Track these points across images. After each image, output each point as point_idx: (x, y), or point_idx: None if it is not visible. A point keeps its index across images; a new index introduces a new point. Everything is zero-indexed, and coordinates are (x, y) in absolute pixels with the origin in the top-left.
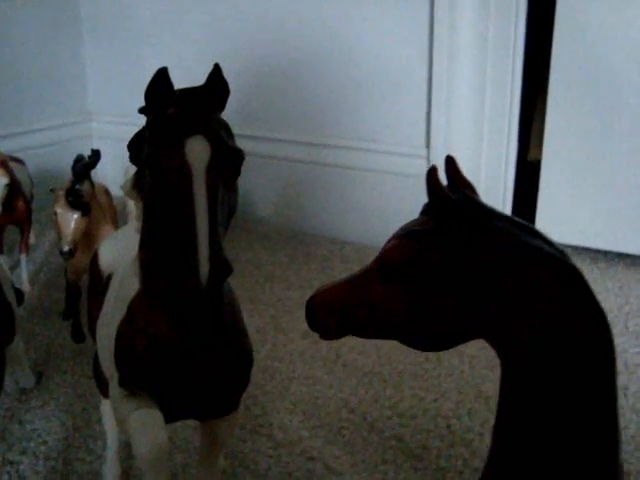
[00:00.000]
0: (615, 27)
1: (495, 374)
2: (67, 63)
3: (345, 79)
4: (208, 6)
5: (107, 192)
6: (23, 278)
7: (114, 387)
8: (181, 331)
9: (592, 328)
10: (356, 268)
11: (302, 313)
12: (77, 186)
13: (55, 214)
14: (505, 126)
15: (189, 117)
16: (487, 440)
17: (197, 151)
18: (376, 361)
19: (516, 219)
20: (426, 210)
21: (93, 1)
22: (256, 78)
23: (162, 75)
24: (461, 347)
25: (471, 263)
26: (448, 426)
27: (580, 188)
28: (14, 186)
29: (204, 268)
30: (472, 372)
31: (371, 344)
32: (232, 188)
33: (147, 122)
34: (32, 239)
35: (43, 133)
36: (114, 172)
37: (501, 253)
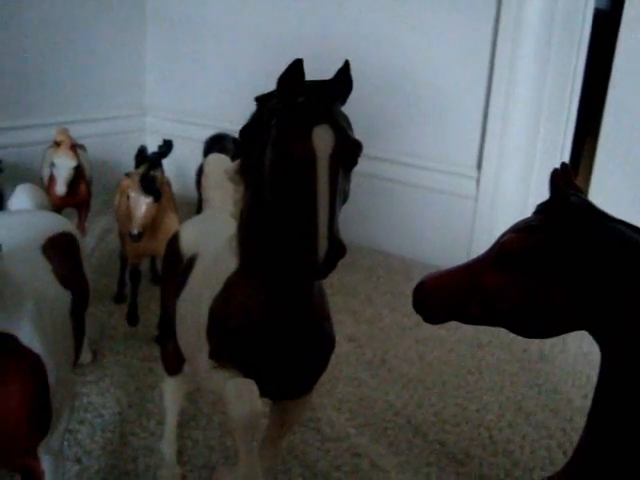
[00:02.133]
0: None
1: (535, 393)
2: (129, 58)
3: (401, 94)
4: (271, 14)
5: (169, 184)
6: None
7: (203, 359)
8: (277, 308)
9: None
10: (401, 278)
11: (346, 317)
12: (151, 172)
13: (128, 198)
14: (556, 157)
15: (317, 107)
16: (527, 452)
17: (323, 139)
18: (420, 369)
19: (629, 223)
20: (541, 209)
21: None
22: None
23: (297, 65)
24: (502, 365)
25: (584, 258)
26: (490, 436)
27: None
28: (79, 170)
29: (322, 247)
30: (513, 389)
31: (414, 353)
32: (348, 177)
33: (272, 108)
34: (86, 223)
35: (99, 124)
36: (166, 166)
37: (614, 250)
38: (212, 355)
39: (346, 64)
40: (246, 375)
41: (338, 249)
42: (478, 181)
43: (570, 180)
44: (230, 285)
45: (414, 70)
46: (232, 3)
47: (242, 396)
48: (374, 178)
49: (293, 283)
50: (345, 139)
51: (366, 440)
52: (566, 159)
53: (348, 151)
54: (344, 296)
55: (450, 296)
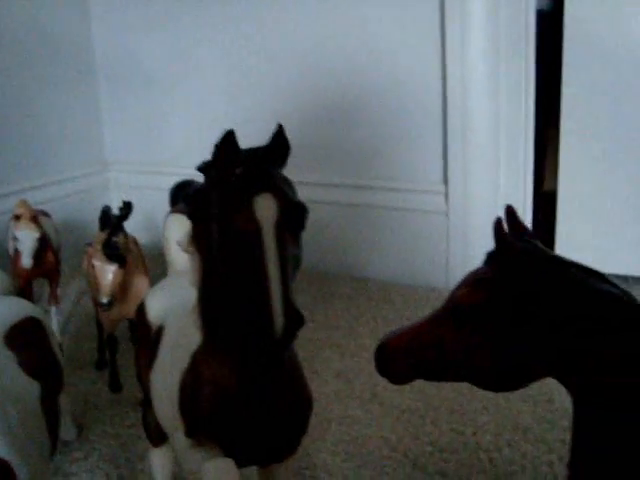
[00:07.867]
0: (624, 53)
1: (530, 406)
2: (84, 114)
3: (363, 121)
4: (219, 49)
5: (136, 242)
6: (54, 329)
7: (180, 438)
8: (248, 381)
9: None
10: (382, 305)
11: (331, 353)
12: (113, 238)
13: (93, 267)
14: (521, 158)
15: (256, 176)
16: (530, 470)
17: (266, 208)
18: (411, 398)
19: (581, 264)
20: (490, 258)
21: (108, 52)
22: (275, 120)
23: (230, 137)
24: None
25: (539, 307)
26: (490, 459)
27: (598, 216)
28: (44, 240)
29: (279, 321)
30: (508, 405)
31: None
32: (298, 242)
33: (211, 181)
34: (58, 290)
35: (61, 185)
36: (133, 220)
37: (567, 297)
38: (188, 433)
39: (280, 128)
40: (226, 449)
41: (295, 322)
42: (446, 195)
43: (516, 223)
44: (197, 360)
45: (370, 95)
46: (181, 48)
47: (222, 478)
48: (344, 206)
49: (258, 355)
50: (288, 204)
51: None
52: (530, 158)
53: (293, 216)
54: (327, 330)
55: (413, 356)
